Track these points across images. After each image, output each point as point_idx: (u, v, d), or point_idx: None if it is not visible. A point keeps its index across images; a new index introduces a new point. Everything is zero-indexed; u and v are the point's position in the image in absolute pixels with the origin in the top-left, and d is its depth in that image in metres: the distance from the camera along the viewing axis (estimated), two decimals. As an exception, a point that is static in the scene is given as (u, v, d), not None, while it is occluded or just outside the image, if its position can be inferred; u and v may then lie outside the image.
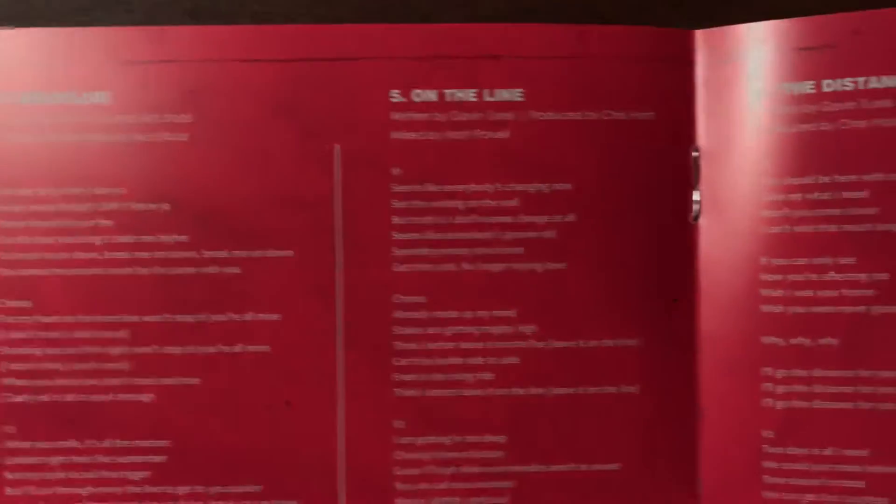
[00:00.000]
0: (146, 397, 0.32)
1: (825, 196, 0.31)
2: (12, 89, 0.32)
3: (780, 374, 0.32)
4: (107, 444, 0.32)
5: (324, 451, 0.32)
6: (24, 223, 0.32)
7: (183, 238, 0.32)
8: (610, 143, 0.32)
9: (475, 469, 0.32)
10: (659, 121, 0.33)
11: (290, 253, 0.32)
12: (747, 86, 0.32)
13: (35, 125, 0.32)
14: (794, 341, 0.32)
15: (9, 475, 0.32)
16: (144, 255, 0.32)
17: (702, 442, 0.33)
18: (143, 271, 0.32)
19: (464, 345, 0.32)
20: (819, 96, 0.31)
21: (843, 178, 0.31)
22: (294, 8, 0.34)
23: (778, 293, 0.32)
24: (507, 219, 0.32)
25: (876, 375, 0.31)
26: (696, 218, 0.33)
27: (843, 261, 0.31)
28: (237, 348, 0.32)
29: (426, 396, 0.32)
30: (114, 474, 0.32)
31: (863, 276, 0.31)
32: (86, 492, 0.32)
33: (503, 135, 0.32)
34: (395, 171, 0.32)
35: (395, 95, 0.32)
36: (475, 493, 0.32)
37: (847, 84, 0.31)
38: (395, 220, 0.32)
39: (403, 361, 0.32)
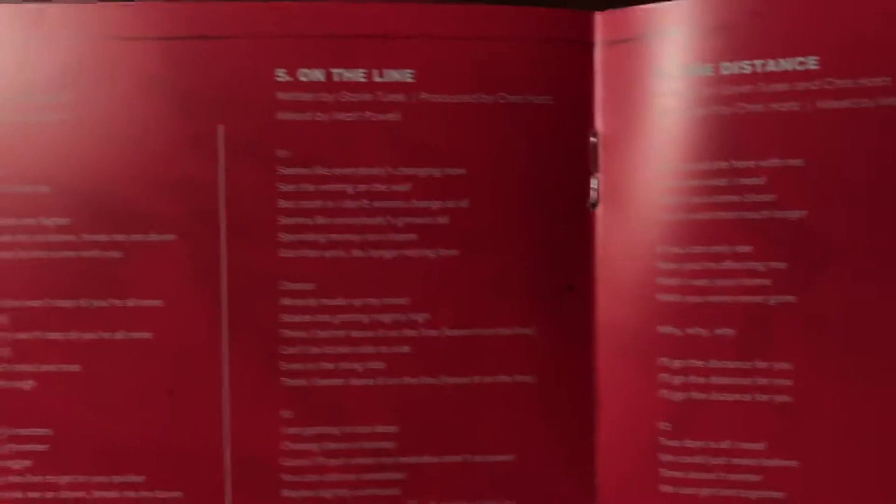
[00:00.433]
0: (27, 384, 0.31)
1: (722, 182, 0.31)
2: None
3: (677, 364, 0.31)
4: (-16, 432, 0.31)
5: (208, 441, 0.31)
6: None
7: (63, 221, 0.31)
8: (505, 127, 0.31)
9: (365, 460, 0.32)
10: (556, 105, 0.32)
11: (172, 237, 0.31)
12: (646, 69, 0.31)
13: None
14: (690, 331, 0.31)
15: None
16: (24, 238, 0.31)
17: (599, 433, 0.32)
18: (24, 255, 0.31)
19: (353, 333, 0.31)
20: (717, 80, 0.31)
21: (740, 164, 0.30)
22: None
23: (675, 282, 0.31)
24: (399, 204, 0.31)
25: (773, 367, 0.30)
26: (594, 205, 0.32)
27: (740, 249, 0.31)
28: (119, 335, 0.31)
29: (315, 386, 0.31)
30: (-9, 464, 0.31)
31: (760, 265, 0.30)
32: (-38, 482, 0.31)
33: (393, 117, 0.31)
34: (282, 153, 0.31)
35: (281, 75, 0.31)
36: (365, 484, 0.32)
37: (745, 67, 0.30)
38: (282, 203, 0.31)
39: (291, 350, 0.31)
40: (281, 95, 0.31)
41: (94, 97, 0.31)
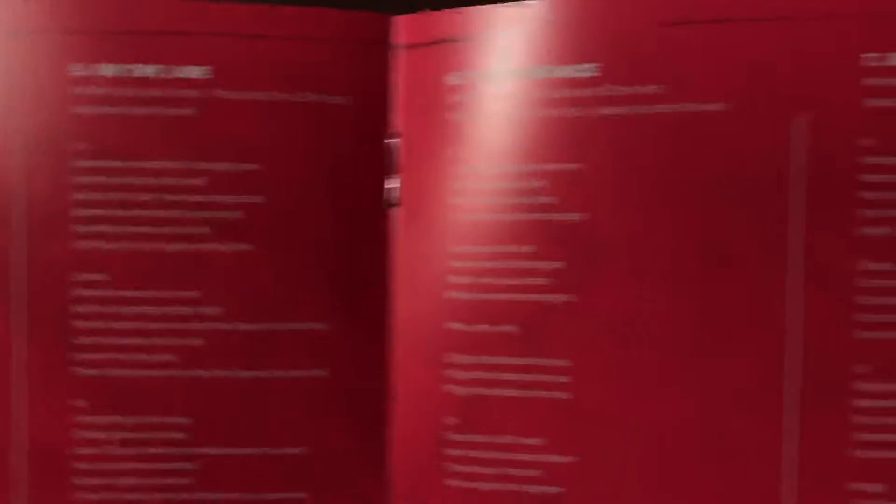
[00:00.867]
0: None
1: (509, 185, 0.31)
2: None
3: (463, 360, 0.32)
4: None
5: (-1, 429, 0.31)
6: None
7: None
8: (302, 125, 0.32)
9: (158, 450, 0.32)
10: (355, 106, 0.32)
11: (-37, 226, 0.31)
12: (441, 73, 0.32)
13: None
14: (476, 328, 0.32)
15: None
16: None
17: (393, 427, 0.33)
18: None
19: (146, 325, 0.32)
20: (503, 85, 0.31)
21: (525, 168, 0.31)
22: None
23: (463, 280, 0.32)
24: (193, 197, 0.32)
25: (552, 364, 0.31)
26: (392, 204, 0.33)
27: (525, 249, 0.31)
28: None
29: (108, 376, 0.32)
30: None
31: (541, 265, 0.31)
32: None
33: (189, 112, 0.32)
34: (78, 146, 0.31)
35: (77, 69, 0.31)
36: (158, 474, 0.32)
37: (530, 73, 0.31)
38: (77, 196, 0.31)
39: (84, 340, 0.32)
40: (77, 90, 0.31)
41: None
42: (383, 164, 0.33)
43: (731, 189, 0.30)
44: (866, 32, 0.29)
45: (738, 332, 0.30)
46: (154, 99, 0.32)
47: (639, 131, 0.31)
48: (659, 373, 0.31)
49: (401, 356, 0.33)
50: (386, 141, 0.33)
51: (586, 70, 0.31)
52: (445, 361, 0.32)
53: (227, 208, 0.32)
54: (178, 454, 0.32)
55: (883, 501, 0.29)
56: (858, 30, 0.29)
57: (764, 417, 0.30)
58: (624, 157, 0.31)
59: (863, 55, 0.29)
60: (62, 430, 0.32)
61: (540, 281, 0.31)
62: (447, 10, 0.32)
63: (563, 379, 0.31)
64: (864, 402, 0.30)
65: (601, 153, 0.31)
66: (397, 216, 0.33)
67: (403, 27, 0.33)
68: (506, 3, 0.32)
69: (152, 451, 0.32)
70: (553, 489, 0.31)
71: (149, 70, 0.31)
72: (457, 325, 0.32)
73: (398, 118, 0.33)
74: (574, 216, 0.31)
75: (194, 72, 0.32)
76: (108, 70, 0.31)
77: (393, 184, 0.33)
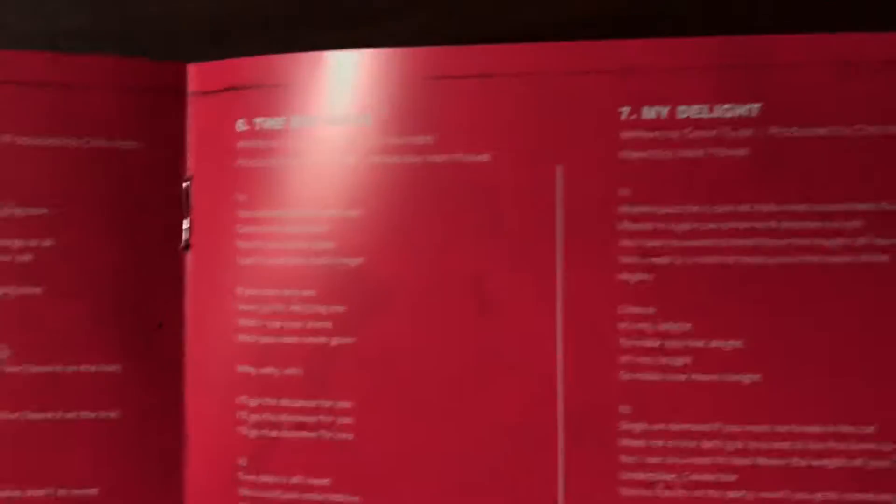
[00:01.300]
0: None
1: (290, 230, 0.32)
2: None
3: (253, 402, 0.32)
4: None
5: None
6: None
7: None
8: (91, 170, 0.32)
9: (-53, 493, 0.32)
10: (146, 150, 0.33)
11: None
12: (230, 120, 0.33)
13: None
14: (264, 371, 0.32)
15: None
16: None
17: (187, 468, 0.33)
18: None
19: (-67, 368, 0.32)
20: (287, 132, 0.32)
21: (305, 214, 0.32)
22: None
23: (252, 323, 0.32)
24: (-19, 242, 0.32)
25: (336, 405, 0.32)
26: (186, 247, 0.33)
27: (306, 293, 0.32)
28: None
29: None
30: None
31: (322, 308, 0.32)
32: None
33: (-26, 159, 0.32)
34: None
35: None
36: (-53, 517, 0.32)
37: (308, 122, 0.32)
38: None
39: None
40: None
41: None
42: (178, 206, 0.33)
43: (501, 235, 0.31)
44: (623, 87, 0.30)
45: (513, 371, 0.31)
46: (-61, 145, 0.32)
47: (412, 179, 0.31)
48: (438, 412, 0.31)
49: (194, 398, 0.33)
50: (183, 185, 0.33)
51: (361, 119, 0.32)
52: (237, 403, 0.33)
53: (14, 252, 0.32)
54: (-33, 497, 0.32)
55: (643, 539, 0.30)
56: (614, 84, 0.30)
57: (539, 454, 0.31)
58: (399, 204, 0.31)
59: (620, 108, 0.30)
60: None
61: (322, 324, 0.32)
62: (239, 59, 0.33)
63: (346, 420, 0.32)
64: (629, 442, 0.31)
65: (378, 200, 0.32)
66: (190, 258, 0.33)
67: (196, 74, 0.33)
68: (291, 54, 0.32)
69: (-59, 494, 0.32)
70: (338, 528, 0.32)
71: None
72: (247, 368, 0.32)
73: (191, 162, 0.33)
74: (353, 261, 0.32)
75: (-20, 118, 0.32)
76: None
77: (187, 225, 0.33)
